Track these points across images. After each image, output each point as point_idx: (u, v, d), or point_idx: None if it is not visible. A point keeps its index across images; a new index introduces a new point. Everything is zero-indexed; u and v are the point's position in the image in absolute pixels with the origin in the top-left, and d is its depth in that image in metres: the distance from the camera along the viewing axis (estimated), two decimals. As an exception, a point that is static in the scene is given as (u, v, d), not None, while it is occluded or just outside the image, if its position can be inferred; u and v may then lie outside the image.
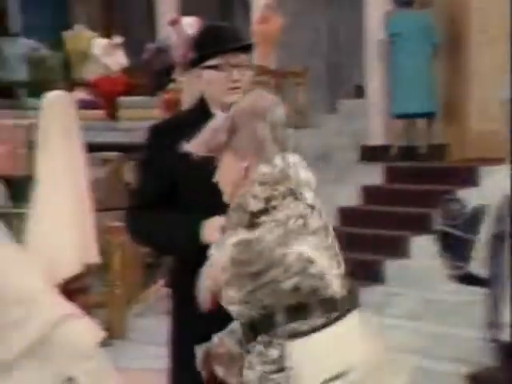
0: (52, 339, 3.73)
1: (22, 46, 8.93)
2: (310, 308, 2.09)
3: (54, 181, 5.11)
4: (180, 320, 2.71)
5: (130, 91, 8.14)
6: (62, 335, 3.74)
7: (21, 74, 8.90)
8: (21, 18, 9.67)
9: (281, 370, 2.07)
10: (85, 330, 3.89)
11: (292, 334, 2.08)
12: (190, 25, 7.97)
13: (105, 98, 8.08)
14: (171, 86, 7.64)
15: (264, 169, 2.13)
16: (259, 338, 2.11)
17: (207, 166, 2.24)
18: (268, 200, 2.09)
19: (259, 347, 2.11)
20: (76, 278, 5.10)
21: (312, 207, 2.14)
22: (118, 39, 8.30)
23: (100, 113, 8.04)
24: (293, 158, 2.17)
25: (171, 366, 2.73)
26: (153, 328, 5.81)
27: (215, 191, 2.24)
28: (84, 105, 6.76)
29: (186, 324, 2.63)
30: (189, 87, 6.74)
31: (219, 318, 2.22)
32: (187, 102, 6.63)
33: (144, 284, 6.45)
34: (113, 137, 7.85)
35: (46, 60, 8.80)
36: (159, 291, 6.35)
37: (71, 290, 4.83)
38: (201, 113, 2.61)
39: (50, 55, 8.85)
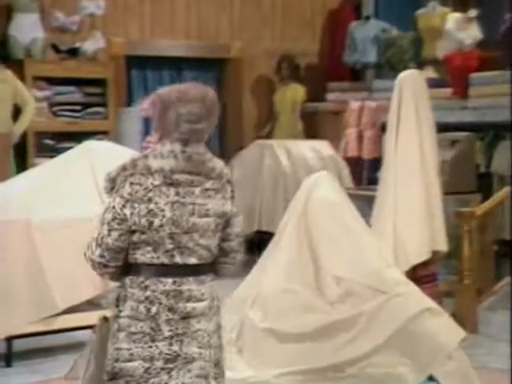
0: (412, 333, 3.55)
1: (372, 27, 8.97)
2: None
3: (404, 163, 4.94)
4: None
5: (482, 67, 7.66)
6: (422, 330, 3.54)
7: (370, 56, 8.94)
8: (375, 0, 9.70)
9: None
10: (446, 326, 3.63)
11: None
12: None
13: (455, 75, 7.71)
14: (531, 57, 6.98)
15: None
16: None
17: None
18: (113, 181, 2.46)
19: None
20: (424, 265, 4.90)
21: (125, 198, 2.43)
22: (473, 12, 7.86)
23: (447, 91, 7.69)
24: (178, 148, 2.42)
25: None
26: (503, 324, 5.38)
27: None
28: (431, 83, 6.48)
29: None
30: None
31: None
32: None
33: (495, 275, 6.01)
34: (461, 116, 7.49)
35: (396, 40, 8.73)
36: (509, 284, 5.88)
37: (419, 277, 4.65)
38: None
39: (399, 35, 8.77)
